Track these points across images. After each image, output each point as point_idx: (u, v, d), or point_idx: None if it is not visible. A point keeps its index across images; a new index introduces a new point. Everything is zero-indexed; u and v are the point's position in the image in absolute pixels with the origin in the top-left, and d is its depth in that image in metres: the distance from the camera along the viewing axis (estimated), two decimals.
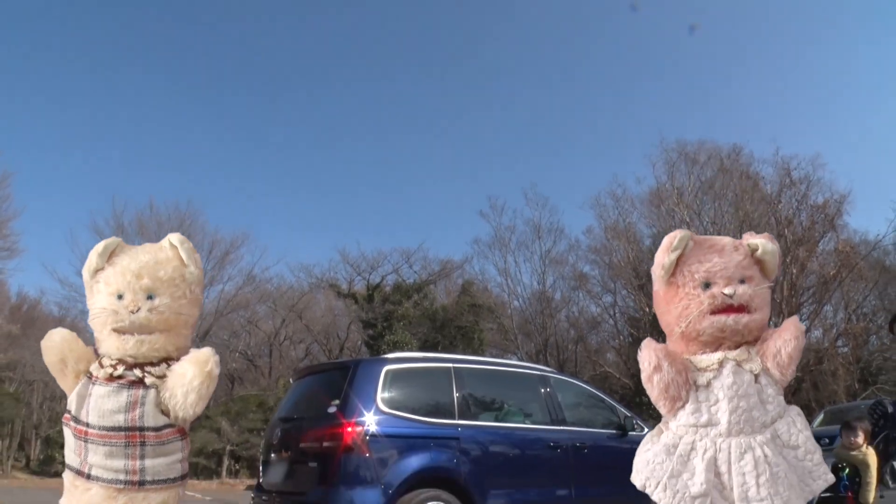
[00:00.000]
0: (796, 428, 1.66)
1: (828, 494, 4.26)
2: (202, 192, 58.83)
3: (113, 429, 1.62)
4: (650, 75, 54.31)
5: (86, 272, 1.75)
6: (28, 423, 33.87)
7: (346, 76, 58.06)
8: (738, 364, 1.65)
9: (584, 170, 56.41)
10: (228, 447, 28.77)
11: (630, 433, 6.85)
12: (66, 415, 1.70)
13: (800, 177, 25.08)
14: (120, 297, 1.67)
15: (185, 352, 1.76)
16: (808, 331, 25.60)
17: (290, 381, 7.58)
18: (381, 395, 5.74)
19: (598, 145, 55.26)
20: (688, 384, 1.66)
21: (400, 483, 5.44)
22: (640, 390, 26.19)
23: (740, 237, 2.07)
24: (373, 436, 5.47)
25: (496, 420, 6.52)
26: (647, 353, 1.67)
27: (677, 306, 1.72)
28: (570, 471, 6.54)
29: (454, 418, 6.03)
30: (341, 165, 56.33)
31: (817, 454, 1.67)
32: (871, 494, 4.20)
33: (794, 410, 1.72)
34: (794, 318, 1.74)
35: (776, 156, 26.08)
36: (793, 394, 23.74)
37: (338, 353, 32.61)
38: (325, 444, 5.53)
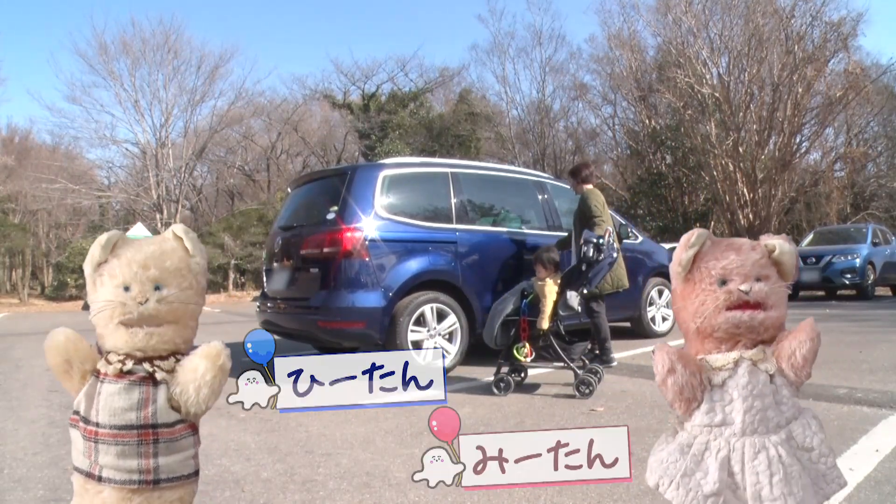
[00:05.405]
0: (811, 430, 1.68)
1: (513, 318, 4.86)
2: (184, 6, 55.67)
3: (125, 427, 1.60)
4: None
5: (88, 266, 1.71)
6: (38, 252, 34.69)
7: None
8: (754, 363, 1.68)
9: None
10: (233, 261, 29.69)
11: (624, 241, 6.93)
12: (74, 416, 1.66)
13: None
14: (126, 288, 1.64)
15: (191, 344, 1.75)
16: (807, 152, 25.49)
17: (288, 189, 7.54)
18: (380, 199, 5.76)
19: None
20: (703, 385, 1.68)
21: (399, 286, 5.60)
22: (635, 202, 26.72)
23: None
24: (372, 240, 5.55)
25: (493, 225, 6.59)
26: (660, 356, 1.68)
27: (693, 302, 1.73)
28: None
29: (452, 223, 6.10)
30: None
31: (831, 457, 1.69)
32: (546, 322, 4.73)
33: (810, 413, 1.73)
34: (810, 320, 1.72)
35: None
36: (785, 213, 24.07)
37: (335, 165, 32.69)
38: (326, 249, 5.61)
